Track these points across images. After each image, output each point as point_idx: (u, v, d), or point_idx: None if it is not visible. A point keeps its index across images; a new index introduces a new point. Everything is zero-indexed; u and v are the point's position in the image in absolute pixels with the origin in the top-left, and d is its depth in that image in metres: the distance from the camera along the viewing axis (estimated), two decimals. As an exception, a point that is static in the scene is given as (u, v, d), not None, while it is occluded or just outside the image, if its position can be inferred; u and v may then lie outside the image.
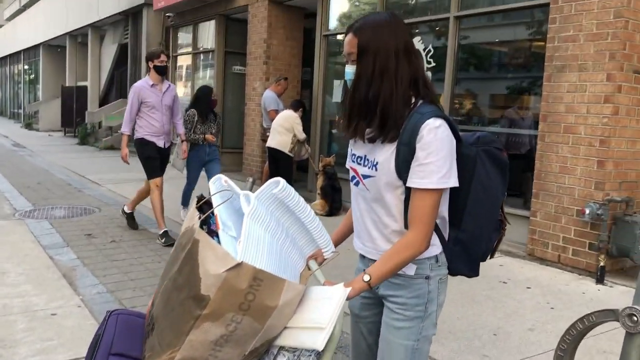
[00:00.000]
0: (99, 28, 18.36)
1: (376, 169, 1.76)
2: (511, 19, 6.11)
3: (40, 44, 24.81)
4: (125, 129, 5.80)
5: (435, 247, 1.80)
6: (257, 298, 1.45)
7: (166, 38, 13.76)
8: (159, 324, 1.56)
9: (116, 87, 18.46)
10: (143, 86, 5.73)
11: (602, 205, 4.79)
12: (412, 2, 7.21)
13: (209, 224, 1.66)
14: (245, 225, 1.53)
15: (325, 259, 1.79)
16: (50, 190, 8.47)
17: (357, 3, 8.25)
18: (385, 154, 1.74)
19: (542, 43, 5.54)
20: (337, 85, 8.44)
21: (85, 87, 19.20)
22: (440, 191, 1.70)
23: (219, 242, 1.58)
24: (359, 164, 1.83)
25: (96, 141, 16.65)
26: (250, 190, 1.75)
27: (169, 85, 5.97)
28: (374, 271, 1.72)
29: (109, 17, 16.24)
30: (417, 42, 6.80)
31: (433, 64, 6.53)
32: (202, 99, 6.53)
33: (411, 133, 1.68)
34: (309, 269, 1.76)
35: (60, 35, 21.55)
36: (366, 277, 1.70)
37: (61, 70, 23.61)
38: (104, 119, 16.54)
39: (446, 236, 1.84)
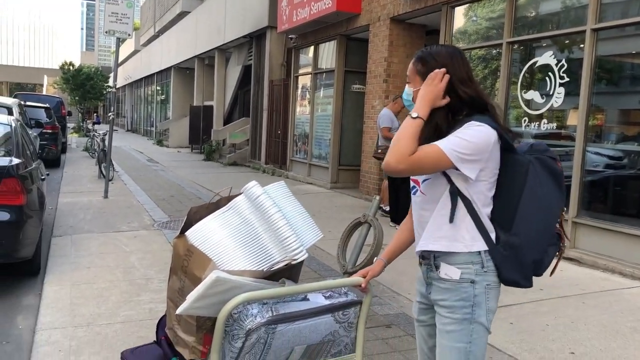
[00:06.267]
0: (224, 50, 19.49)
1: None
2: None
3: (172, 66, 26.77)
4: None
5: (479, 244, 1.84)
6: (189, 265, 1.92)
7: (288, 59, 14.29)
8: None
9: (239, 106, 19.44)
10: None
11: None
12: (543, 15, 6.91)
13: None
14: (206, 218, 2.02)
15: (293, 261, 1.89)
16: (182, 202, 9.06)
17: (478, 18, 8.05)
18: None
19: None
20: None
21: (211, 107, 20.43)
22: (444, 158, 1.75)
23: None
24: None
25: (220, 157, 17.61)
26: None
27: None
28: None
29: (234, 40, 17.19)
30: (549, 57, 6.50)
31: (567, 79, 6.19)
32: None
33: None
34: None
35: (190, 58, 23.13)
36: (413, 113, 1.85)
37: (189, 91, 25.32)
38: (228, 136, 17.48)
39: (493, 237, 1.86)
